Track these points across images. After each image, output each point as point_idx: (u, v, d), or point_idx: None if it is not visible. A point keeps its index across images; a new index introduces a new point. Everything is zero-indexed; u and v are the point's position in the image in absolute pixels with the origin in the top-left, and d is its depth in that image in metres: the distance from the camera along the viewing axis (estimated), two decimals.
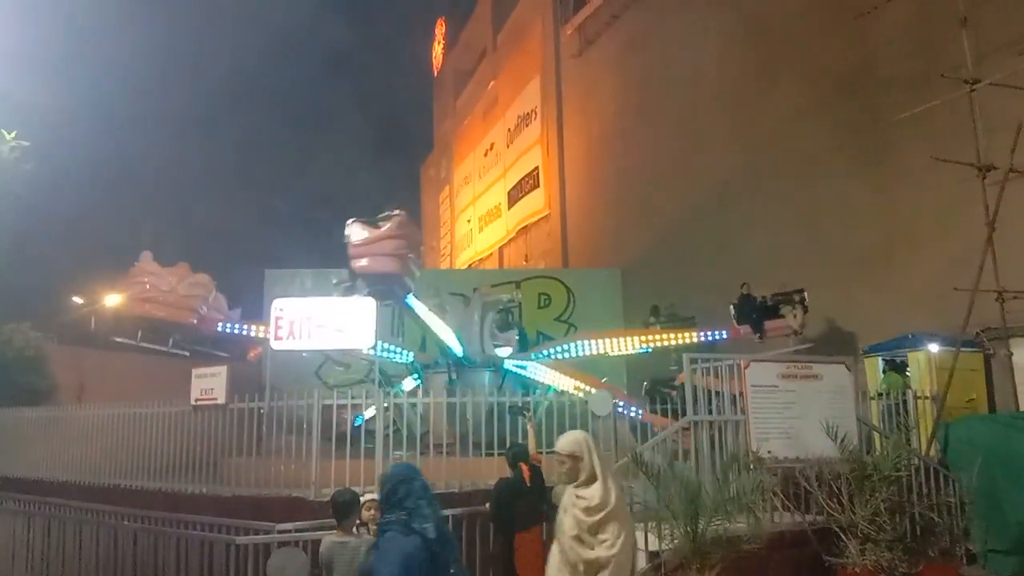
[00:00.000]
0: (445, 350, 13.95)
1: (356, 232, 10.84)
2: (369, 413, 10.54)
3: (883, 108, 13.43)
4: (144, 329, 12.56)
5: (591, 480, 4.85)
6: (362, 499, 6.25)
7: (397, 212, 10.99)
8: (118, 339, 13.04)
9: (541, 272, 21.23)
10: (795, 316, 13.59)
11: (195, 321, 12.49)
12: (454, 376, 13.62)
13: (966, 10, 11.17)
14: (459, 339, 13.81)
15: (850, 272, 14.71)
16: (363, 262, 10.79)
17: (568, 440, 5.00)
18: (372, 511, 6.19)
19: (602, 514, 4.74)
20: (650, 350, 14.90)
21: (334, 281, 12.76)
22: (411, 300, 12.40)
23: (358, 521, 6.18)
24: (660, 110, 22.12)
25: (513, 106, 33.24)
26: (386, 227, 10.82)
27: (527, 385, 13.61)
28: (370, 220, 10.89)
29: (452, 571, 4.03)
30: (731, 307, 14.39)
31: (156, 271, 12.33)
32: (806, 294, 13.54)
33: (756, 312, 14.01)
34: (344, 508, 5.96)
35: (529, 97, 31.56)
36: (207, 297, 12.64)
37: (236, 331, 13.03)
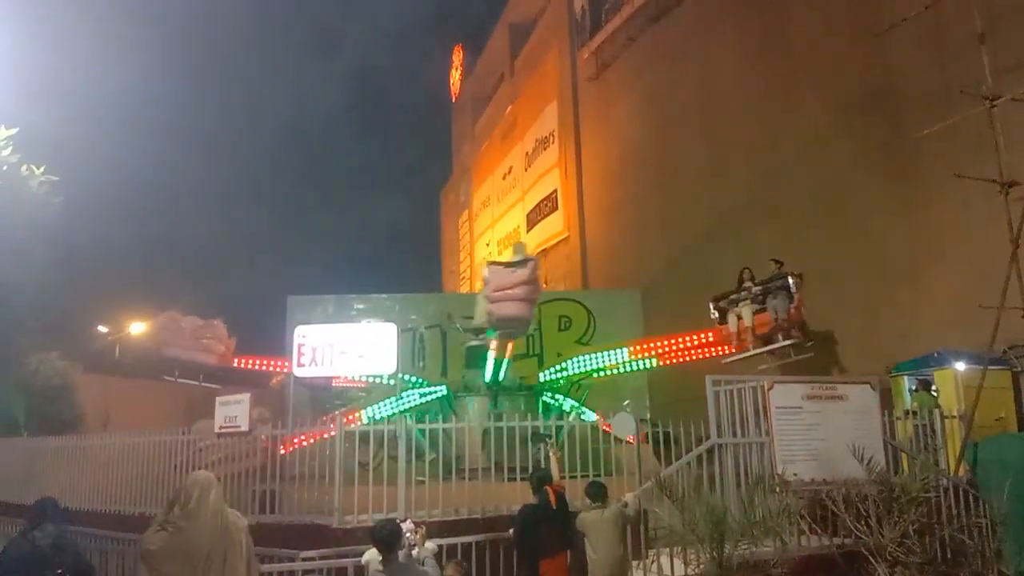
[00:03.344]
0: (487, 377, 14.00)
1: (496, 276, 11.03)
2: None
3: (905, 125, 13.37)
4: (178, 369, 15.94)
5: None
6: (404, 527, 6.19)
7: (532, 257, 11.15)
8: (167, 378, 16.80)
9: (561, 295, 21.22)
10: (784, 304, 12.94)
11: (212, 361, 15.58)
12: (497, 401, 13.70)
13: (983, 26, 11.12)
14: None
15: (875, 290, 14.57)
16: (502, 307, 10.97)
17: None
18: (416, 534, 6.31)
19: None
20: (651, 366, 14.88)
21: (457, 326, 13.37)
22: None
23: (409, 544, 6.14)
24: (679, 131, 22.13)
25: (531, 130, 33.40)
26: (522, 272, 10.98)
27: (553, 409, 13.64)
28: (508, 264, 11.09)
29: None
30: (710, 306, 14.08)
31: (174, 319, 15.66)
32: (791, 280, 12.97)
33: (741, 307, 13.56)
34: (390, 540, 5.74)
35: (547, 121, 31.71)
36: (221, 338, 15.74)
37: (252, 366, 14.65)
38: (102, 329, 33.45)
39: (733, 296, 13.94)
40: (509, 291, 10.92)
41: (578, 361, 15.03)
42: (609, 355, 14.73)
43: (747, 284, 13.73)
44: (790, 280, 12.89)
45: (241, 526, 4.77)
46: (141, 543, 4.53)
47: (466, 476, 10.94)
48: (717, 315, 13.94)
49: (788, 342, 12.70)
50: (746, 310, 13.53)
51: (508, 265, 11.17)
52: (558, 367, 14.67)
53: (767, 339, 13.39)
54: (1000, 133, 10.65)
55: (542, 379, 14.46)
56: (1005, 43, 11.58)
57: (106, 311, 33.26)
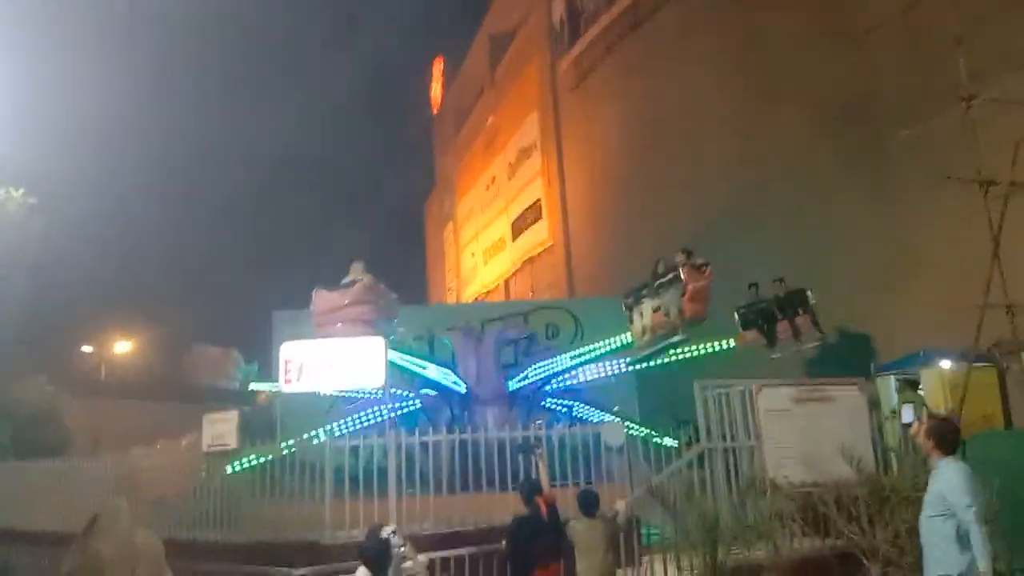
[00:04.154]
0: (443, 390, 13.88)
1: (321, 299, 10.82)
2: None
3: (885, 129, 13.49)
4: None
5: None
6: (398, 550, 6.12)
7: (361, 278, 10.96)
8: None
9: (548, 303, 21.23)
10: (805, 317, 13.36)
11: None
12: (455, 413, 13.58)
13: (960, 29, 11.25)
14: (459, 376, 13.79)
15: (860, 292, 14.67)
16: (328, 330, 10.78)
17: None
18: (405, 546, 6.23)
19: None
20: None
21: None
22: (393, 357, 12.19)
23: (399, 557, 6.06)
24: (661, 137, 22.23)
25: (513, 140, 33.50)
26: (351, 294, 10.78)
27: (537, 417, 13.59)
28: (335, 286, 10.87)
29: None
30: (736, 313, 14.10)
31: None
32: (810, 294, 13.36)
33: (763, 318, 13.74)
34: (379, 557, 5.59)
35: (528, 131, 31.81)
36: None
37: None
38: (86, 349, 33.19)
39: (639, 292, 13.63)
40: (339, 313, 10.80)
41: (546, 365, 15.02)
42: (572, 357, 14.76)
43: (765, 298, 13.89)
44: (681, 271, 12.31)
45: (151, 544, 4.78)
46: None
47: (449, 488, 10.89)
48: (627, 313, 13.71)
49: (815, 343, 13.36)
50: (647, 307, 13.16)
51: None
52: (529, 373, 14.66)
53: (666, 336, 13.09)
54: (978, 134, 10.77)
55: (514, 387, 14.41)
56: (982, 45, 11.71)
57: (90, 332, 33.03)
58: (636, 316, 13.28)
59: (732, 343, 14.04)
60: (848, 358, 14.36)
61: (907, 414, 8.14)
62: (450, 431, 10.33)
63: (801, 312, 13.48)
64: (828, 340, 13.71)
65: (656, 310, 12.89)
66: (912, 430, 7.52)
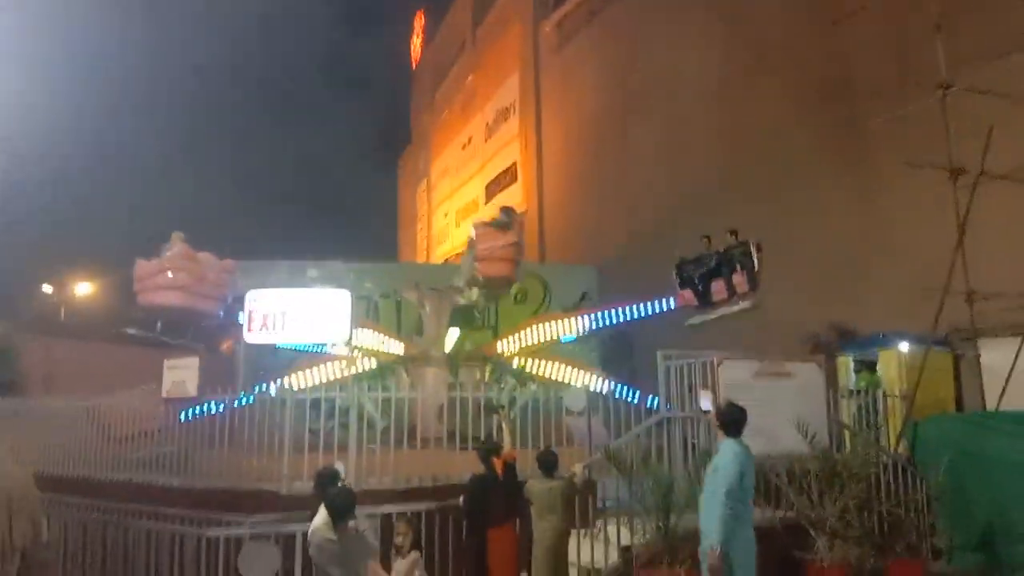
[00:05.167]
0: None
1: (484, 236, 10.82)
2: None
3: (861, 113, 13.57)
4: (164, 320, 12.00)
5: None
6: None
7: (519, 218, 10.95)
8: (131, 331, 12.58)
9: None
10: (742, 275, 12.31)
11: (221, 312, 12.01)
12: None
13: (940, 17, 11.29)
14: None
15: (827, 274, 14.82)
16: (489, 266, 10.76)
17: None
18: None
19: None
20: (575, 339, 14.80)
21: (456, 297, 12.70)
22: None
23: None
24: (640, 107, 22.17)
25: (492, 101, 33.19)
26: (511, 233, 10.78)
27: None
28: (495, 224, 10.83)
29: None
30: (674, 271, 13.27)
31: (191, 256, 11.49)
32: (753, 247, 12.32)
33: (700, 275, 12.76)
34: (344, 508, 5.66)
35: (508, 92, 31.52)
36: (235, 284, 12.13)
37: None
38: (46, 290, 32.64)
39: (694, 262, 13.26)
40: (498, 251, 10.83)
41: (533, 332, 15.09)
42: (562, 324, 14.79)
43: (706, 253, 13.13)
44: (753, 251, 12.27)
45: (24, 480, 4.95)
46: None
47: (417, 445, 10.92)
48: (679, 280, 13.26)
49: (741, 305, 12.44)
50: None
51: (496, 225, 11.08)
52: (514, 338, 14.72)
53: (720, 305, 12.91)
54: (951, 122, 10.87)
55: (500, 350, 14.47)
56: (960, 33, 11.76)
57: (51, 272, 32.46)
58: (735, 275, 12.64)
59: (672, 303, 13.42)
60: (810, 337, 14.53)
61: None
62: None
63: (739, 269, 12.45)
64: (759, 305, 12.73)
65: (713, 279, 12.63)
66: (708, 417, 7.85)
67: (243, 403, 9.96)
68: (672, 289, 13.56)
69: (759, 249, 12.38)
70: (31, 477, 4.77)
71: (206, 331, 12.97)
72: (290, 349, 13.75)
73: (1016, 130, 11.19)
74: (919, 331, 11.36)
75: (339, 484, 6.29)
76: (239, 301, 11.78)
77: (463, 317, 13.78)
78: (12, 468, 4.82)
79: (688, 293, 12.98)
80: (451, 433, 10.77)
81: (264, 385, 10.82)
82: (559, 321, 14.80)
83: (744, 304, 12.44)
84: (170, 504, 9.14)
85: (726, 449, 6.03)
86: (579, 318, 14.55)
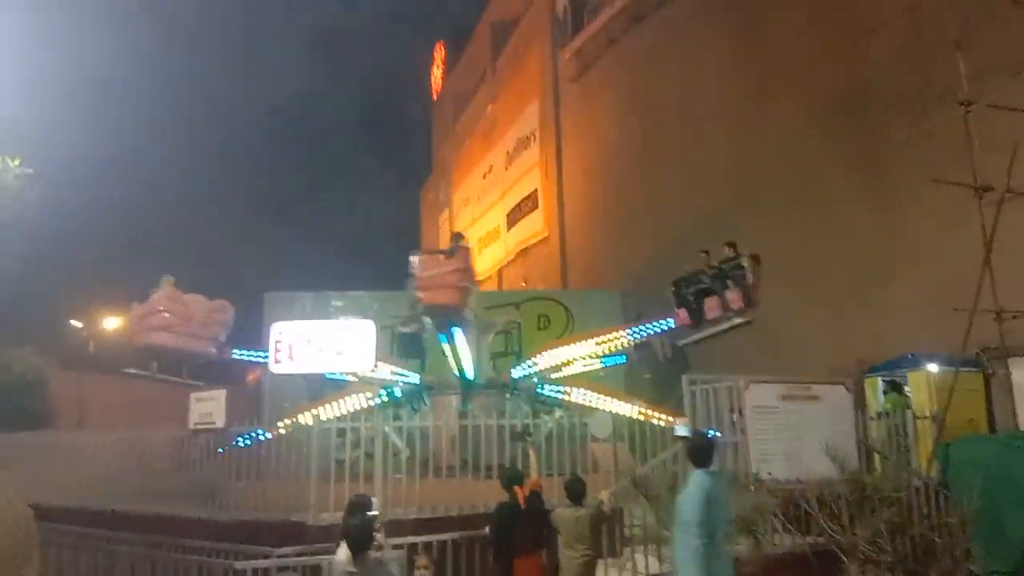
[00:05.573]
0: (461, 374, 13.90)
1: (424, 264, 10.83)
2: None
3: (882, 129, 13.52)
4: (160, 360, 12.41)
5: None
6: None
7: (463, 244, 10.97)
8: (130, 370, 12.96)
9: (540, 294, 21.20)
10: (736, 291, 11.68)
11: (214, 351, 12.37)
12: (466, 400, 13.63)
13: (959, 32, 11.26)
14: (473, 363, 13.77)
15: (850, 292, 14.72)
16: (429, 294, 10.77)
17: None
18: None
19: None
20: (622, 360, 14.47)
21: (399, 326, 12.77)
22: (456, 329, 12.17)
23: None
24: (659, 131, 22.23)
25: (512, 129, 33.41)
26: (454, 259, 10.80)
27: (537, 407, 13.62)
28: (438, 252, 10.88)
29: None
30: (670, 289, 12.78)
31: (178, 298, 12.09)
32: (746, 260, 11.68)
33: (694, 293, 12.22)
34: (362, 539, 5.62)
35: (528, 120, 31.73)
36: (228, 324, 12.52)
37: (250, 357, 13.11)
38: (76, 324, 33.11)
39: (689, 279, 12.64)
40: (439, 279, 10.80)
41: (547, 356, 14.99)
42: (576, 348, 14.65)
43: (702, 269, 12.46)
44: (746, 264, 11.64)
45: (20, 510, 4.96)
46: None
47: (443, 474, 10.89)
48: (675, 300, 12.72)
49: (734, 321, 11.95)
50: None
51: (438, 253, 11.04)
52: (529, 363, 14.64)
53: (715, 323, 12.40)
54: (975, 138, 10.80)
55: (514, 376, 14.40)
56: (980, 49, 11.73)
57: (81, 306, 32.91)
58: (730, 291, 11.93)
59: (672, 323, 12.94)
60: (836, 357, 14.36)
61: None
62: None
63: (731, 285, 11.80)
64: (752, 320, 12.18)
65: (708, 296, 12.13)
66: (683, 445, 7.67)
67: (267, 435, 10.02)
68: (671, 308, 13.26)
69: (757, 261, 11.83)
70: (28, 511, 4.81)
71: (205, 368, 13.37)
72: (330, 379, 13.89)
73: None
74: (945, 349, 11.22)
75: (366, 514, 6.29)
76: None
77: (409, 346, 13.67)
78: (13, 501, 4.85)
79: (683, 312, 12.57)
80: (464, 462, 10.70)
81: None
82: (569, 345, 14.64)
83: (737, 320, 12.00)
84: (197, 536, 9.20)
85: (692, 480, 5.95)
86: (582, 343, 14.40)
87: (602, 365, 14.95)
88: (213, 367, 13.28)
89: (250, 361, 13.19)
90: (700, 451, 6.07)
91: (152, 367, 12.51)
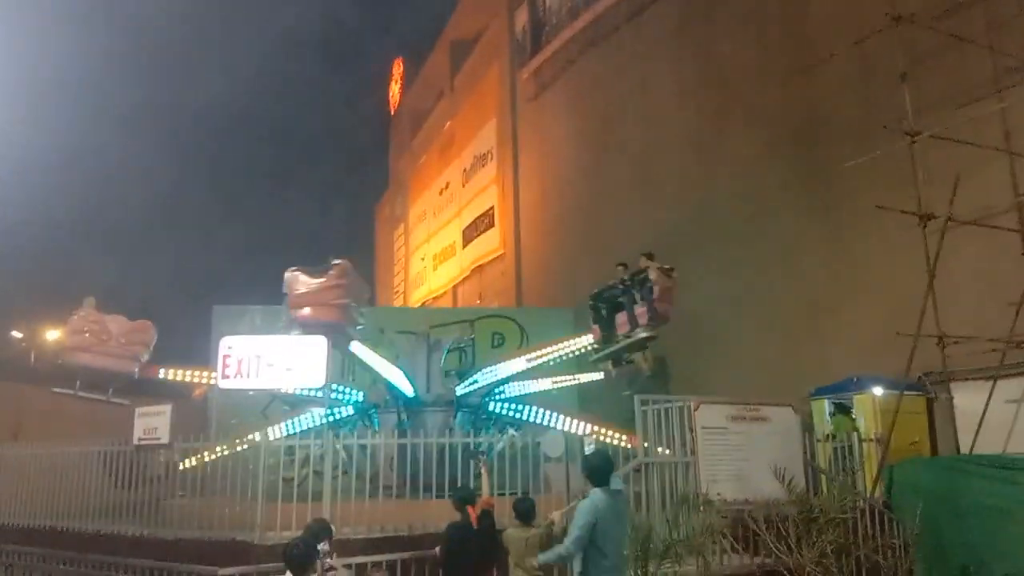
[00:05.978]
0: (395, 392, 13.78)
1: (297, 281, 10.71)
2: None
3: (831, 158, 13.81)
4: (83, 379, 12.27)
5: None
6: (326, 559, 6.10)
7: (339, 261, 10.89)
8: (56, 390, 12.70)
9: (495, 311, 21.21)
10: (643, 306, 11.64)
11: (136, 371, 12.36)
12: (404, 417, 13.47)
13: (906, 66, 11.59)
14: (409, 379, 13.69)
15: (797, 317, 14.98)
16: (304, 312, 10.65)
17: None
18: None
19: None
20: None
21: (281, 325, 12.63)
22: (354, 346, 12.19)
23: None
24: (614, 153, 22.44)
25: (469, 146, 33.47)
26: (328, 276, 10.69)
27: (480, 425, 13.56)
28: (311, 269, 10.77)
29: None
30: (588, 303, 12.82)
31: (97, 319, 12.23)
32: (653, 273, 11.55)
33: (607, 309, 12.25)
34: (302, 560, 5.55)
35: (485, 138, 31.83)
36: (149, 344, 12.53)
37: (176, 379, 12.90)
38: (16, 335, 32.15)
39: (604, 293, 12.75)
40: (316, 295, 10.74)
41: (489, 372, 14.95)
42: (513, 363, 14.63)
43: (615, 283, 12.44)
44: (652, 278, 11.59)
45: None
46: None
47: (386, 493, 10.74)
48: (592, 315, 12.86)
49: (639, 334, 11.85)
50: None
51: (312, 271, 10.96)
52: (471, 380, 14.58)
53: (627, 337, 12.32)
54: (920, 168, 11.10)
55: (458, 393, 14.33)
56: (926, 82, 12.08)
57: (21, 318, 32.00)
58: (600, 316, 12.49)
59: (590, 339, 13.06)
60: (782, 380, 14.59)
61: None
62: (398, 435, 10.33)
63: (639, 299, 11.77)
64: (656, 335, 12.01)
65: (620, 309, 12.26)
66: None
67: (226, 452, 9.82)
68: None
69: (668, 274, 11.85)
70: None
71: (136, 386, 13.06)
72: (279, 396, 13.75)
73: (982, 176, 11.47)
74: (890, 373, 11.46)
75: (314, 540, 6.16)
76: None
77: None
78: None
79: (596, 329, 12.70)
80: (403, 480, 10.50)
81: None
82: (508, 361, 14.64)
83: (643, 333, 11.91)
84: (138, 555, 8.95)
85: (589, 496, 6.24)
86: (522, 358, 14.42)
87: (577, 382, 14.99)
88: (145, 385, 13.09)
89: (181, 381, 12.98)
90: (596, 471, 6.33)
91: (76, 386, 12.32)
